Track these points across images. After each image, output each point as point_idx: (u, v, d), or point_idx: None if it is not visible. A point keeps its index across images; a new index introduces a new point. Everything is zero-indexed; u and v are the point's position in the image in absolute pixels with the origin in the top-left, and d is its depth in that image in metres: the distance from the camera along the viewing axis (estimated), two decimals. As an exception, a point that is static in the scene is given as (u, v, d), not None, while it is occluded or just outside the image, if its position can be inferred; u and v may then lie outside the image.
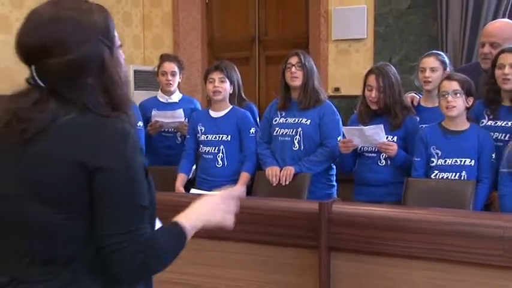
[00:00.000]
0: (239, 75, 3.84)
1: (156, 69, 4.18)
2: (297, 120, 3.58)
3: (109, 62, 1.36)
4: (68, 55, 1.31)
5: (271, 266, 2.68)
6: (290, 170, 3.47)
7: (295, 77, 3.55)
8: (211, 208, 1.53)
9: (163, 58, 4.14)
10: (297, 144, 3.56)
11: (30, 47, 1.33)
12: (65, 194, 1.31)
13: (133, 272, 1.33)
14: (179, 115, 3.97)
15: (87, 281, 1.35)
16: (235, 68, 3.81)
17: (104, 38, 1.36)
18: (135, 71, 5.38)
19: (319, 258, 2.55)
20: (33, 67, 1.34)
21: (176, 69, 4.08)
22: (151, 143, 4.01)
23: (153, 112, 4.04)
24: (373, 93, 3.35)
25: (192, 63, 5.57)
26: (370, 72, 3.43)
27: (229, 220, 1.55)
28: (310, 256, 2.59)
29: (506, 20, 3.83)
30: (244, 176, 3.63)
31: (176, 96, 4.17)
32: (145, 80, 5.31)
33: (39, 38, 1.31)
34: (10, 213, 1.34)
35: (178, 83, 4.15)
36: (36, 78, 1.34)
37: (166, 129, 4.04)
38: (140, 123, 3.89)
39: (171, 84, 4.09)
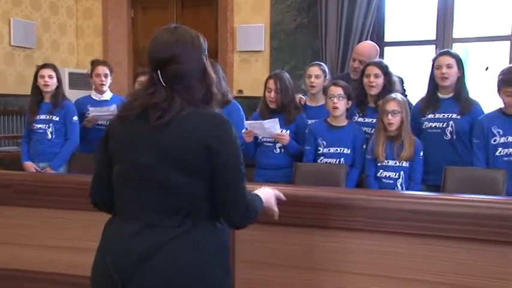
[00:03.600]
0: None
1: (89, 72, 4.03)
2: None
3: (208, 69, 1.60)
4: (185, 64, 1.54)
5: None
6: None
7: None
8: (271, 196, 1.83)
9: (97, 63, 3.98)
10: None
11: (160, 58, 1.54)
12: (194, 163, 1.50)
13: (243, 218, 1.56)
14: (114, 110, 3.85)
15: (203, 227, 1.54)
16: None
17: (204, 54, 1.60)
18: (70, 73, 5.16)
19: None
20: (158, 72, 1.54)
21: (108, 71, 3.94)
22: (87, 134, 3.86)
23: (90, 108, 3.88)
24: (272, 94, 3.39)
25: (120, 68, 5.41)
26: (269, 77, 3.47)
27: (276, 209, 1.84)
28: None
29: (371, 42, 4.00)
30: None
31: (108, 95, 4.02)
32: (78, 81, 5.11)
33: (168, 53, 1.54)
34: (149, 177, 1.52)
35: (110, 83, 4.03)
36: (161, 79, 1.54)
37: (100, 122, 3.91)
38: (75, 118, 3.75)
39: (104, 84, 3.94)
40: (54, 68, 3.79)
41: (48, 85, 3.74)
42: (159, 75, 1.54)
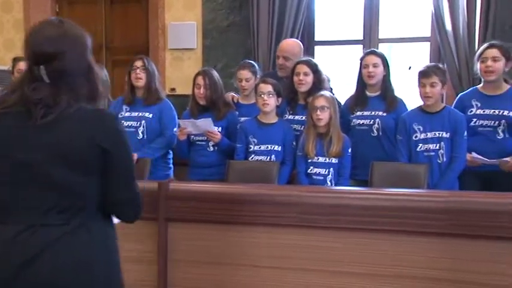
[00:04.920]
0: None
1: (10, 68, 3.82)
2: (140, 114, 3.50)
3: (94, 66, 1.56)
4: (70, 60, 1.48)
5: (119, 237, 2.60)
6: (133, 156, 3.36)
7: (140, 78, 3.47)
8: None
9: (19, 59, 3.78)
10: (140, 134, 3.48)
11: (45, 53, 1.47)
12: (83, 161, 1.46)
13: (137, 214, 1.59)
14: None
15: (91, 226, 1.50)
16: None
17: (89, 50, 1.56)
18: (-12, 70, 4.86)
19: (158, 227, 2.54)
20: (42, 67, 1.46)
21: None
22: None
23: None
24: (201, 91, 3.39)
25: (45, 65, 5.15)
26: (198, 74, 3.47)
27: None
28: (151, 226, 2.57)
29: (294, 39, 4.05)
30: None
31: None
32: (-2, 77, 4.84)
33: (53, 48, 1.47)
34: (33, 175, 1.45)
35: None
36: (44, 75, 1.46)
37: None
38: None
39: None
40: None
41: None
42: (42, 70, 1.47)
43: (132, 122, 3.49)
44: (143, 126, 3.47)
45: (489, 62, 3.02)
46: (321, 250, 2.49)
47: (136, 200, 1.58)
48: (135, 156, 3.37)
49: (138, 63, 3.46)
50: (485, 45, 3.15)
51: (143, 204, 1.61)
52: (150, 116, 3.49)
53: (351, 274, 2.47)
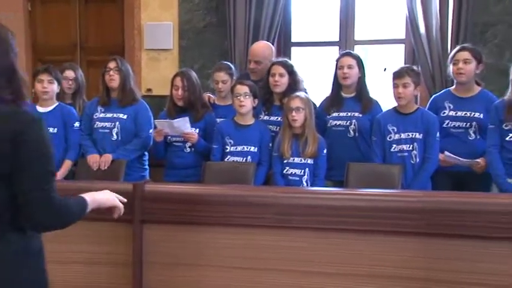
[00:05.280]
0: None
1: None
2: (115, 115, 3.46)
3: (17, 68, 1.49)
4: None
5: (93, 239, 2.58)
6: (108, 157, 3.35)
7: (113, 79, 3.44)
8: (105, 196, 1.70)
9: None
10: (115, 136, 3.45)
11: None
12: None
13: (49, 220, 1.45)
14: None
15: (9, 235, 1.43)
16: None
17: (13, 51, 1.49)
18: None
19: (133, 229, 2.52)
20: None
21: None
22: None
23: None
24: (179, 92, 3.38)
25: (17, 64, 5.05)
26: (176, 75, 3.45)
27: (120, 206, 1.74)
28: (127, 228, 2.55)
29: (265, 42, 4.05)
30: (67, 163, 3.44)
31: None
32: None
33: None
34: None
35: None
36: None
37: None
38: None
39: None
40: None
41: None
42: None
43: (106, 123, 3.46)
44: (117, 128, 3.44)
45: (460, 64, 3.09)
46: (296, 251, 2.50)
47: (46, 203, 1.43)
48: (110, 157, 3.35)
49: (112, 65, 3.43)
50: (457, 48, 3.22)
51: (69, 213, 1.50)
52: (125, 117, 3.46)
53: (326, 274, 2.48)
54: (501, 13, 4.12)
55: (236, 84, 3.32)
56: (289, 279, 2.50)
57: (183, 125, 3.28)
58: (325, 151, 3.11)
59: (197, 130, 3.38)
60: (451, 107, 3.15)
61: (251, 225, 2.52)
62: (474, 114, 3.09)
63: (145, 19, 4.86)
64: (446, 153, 3.02)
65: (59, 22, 5.19)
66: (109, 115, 3.47)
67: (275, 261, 2.51)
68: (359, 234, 2.47)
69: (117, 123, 3.44)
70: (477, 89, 3.16)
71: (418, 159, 3.02)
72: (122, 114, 3.45)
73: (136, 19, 4.86)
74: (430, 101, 3.33)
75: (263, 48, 3.85)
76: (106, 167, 3.34)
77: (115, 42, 4.99)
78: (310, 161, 3.08)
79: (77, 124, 3.52)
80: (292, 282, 2.50)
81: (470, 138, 3.10)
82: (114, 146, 3.41)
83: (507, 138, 2.89)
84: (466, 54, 3.09)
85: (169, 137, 3.40)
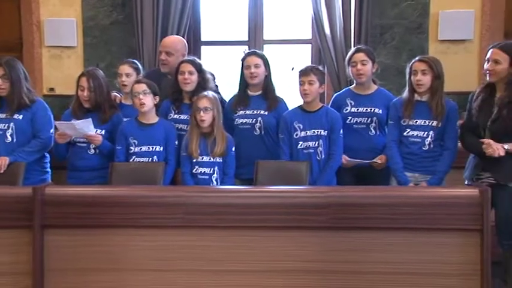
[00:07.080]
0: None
1: None
2: (9, 116, 3.25)
3: None
4: None
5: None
6: (5, 160, 3.13)
7: (3, 88, 3.21)
8: None
9: None
10: (9, 137, 3.23)
11: None
12: None
13: None
14: None
15: None
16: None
17: None
18: None
19: (33, 236, 2.39)
20: None
21: None
22: None
23: None
24: (85, 93, 3.24)
25: None
26: (82, 75, 3.30)
27: None
28: (25, 235, 2.42)
29: (178, 36, 4.09)
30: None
31: None
32: None
33: None
34: None
35: None
36: None
37: None
38: None
39: None
40: None
41: None
42: None
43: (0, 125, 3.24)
44: (12, 129, 3.24)
45: (359, 66, 3.25)
46: (207, 250, 2.51)
47: None
48: (7, 160, 3.14)
49: None
50: (353, 49, 3.40)
51: None
52: (20, 117, 3.26)
53: (237, 272, 2.52)
54: (397, 17, 4.41)
55: (134, 83, 3.26)
56: (200, 279, 2.52)
57: (86, 127, 3.14)
58: (233, 149, 3.14)
59: (103, 132, 3.26)
60: (353, 103, 3.30)
61: (162, 226, 2.51)
62: (374, 110, 3.26)
63: (45, 14, 4.66)
64: (346, 157, 3.16)
65: None
66: (2, 116, 3.25)
67: (185, 261, 2.51)
68: (270, 231, 2.53)
69: (12, 124, 3.23)
70: (374, 87, 3.35)
71: (323, 156, 3.14)
72: (17, 115, 3.25)
73: (35, 14, 4.65)
74: (332, 99, 3.47)
75: (175, 41, 3.84)
76: (2, 171, 3.12)
77: (12, 38, 4.72)
78: (219, 160, 3.09)
79: None
80: (203, 282, 2.52)
81: (371, 133, 3.27)
82: (9, 149, 3.21)
83: (405, 134, 3.08)
84: (362, 56, 3.26)
85: (72, 137, 3.25)
